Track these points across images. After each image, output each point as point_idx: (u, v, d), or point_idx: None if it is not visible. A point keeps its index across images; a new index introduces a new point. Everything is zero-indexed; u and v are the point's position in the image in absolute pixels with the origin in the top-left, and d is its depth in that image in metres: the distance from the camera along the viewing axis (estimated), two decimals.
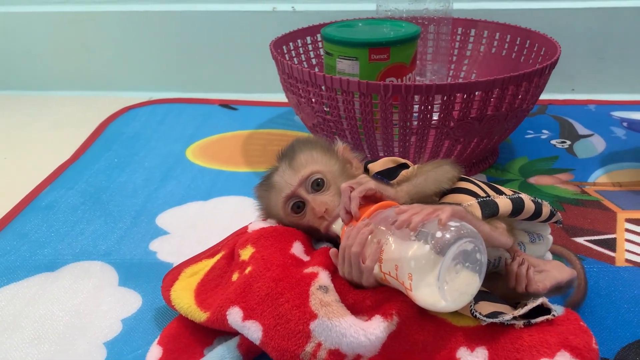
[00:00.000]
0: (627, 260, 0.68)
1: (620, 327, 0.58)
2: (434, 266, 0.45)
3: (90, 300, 0.64)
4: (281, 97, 1.12)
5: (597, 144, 0.97)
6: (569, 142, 0.98)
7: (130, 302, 0.63)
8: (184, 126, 1.08)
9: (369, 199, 0.54)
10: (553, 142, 0.99)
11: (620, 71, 1.19)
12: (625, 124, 1.04)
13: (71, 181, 0.89)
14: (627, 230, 0.74)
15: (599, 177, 0.87)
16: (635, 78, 1.20)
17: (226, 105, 1.18)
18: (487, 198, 0.54)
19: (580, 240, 0.72)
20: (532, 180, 0.87)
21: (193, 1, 1.23)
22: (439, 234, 0.46)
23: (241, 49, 1.23)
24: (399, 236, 0.48)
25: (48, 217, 0.80)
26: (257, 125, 1.08)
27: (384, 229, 0.50)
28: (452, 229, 0.46)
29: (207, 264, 0.61)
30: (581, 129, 1.03)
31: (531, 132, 1.02)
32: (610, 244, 0.71)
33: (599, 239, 0.72)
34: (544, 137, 1.01)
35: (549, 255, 0.63)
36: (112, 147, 1.00)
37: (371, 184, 0.53)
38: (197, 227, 0.77)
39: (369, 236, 0.50)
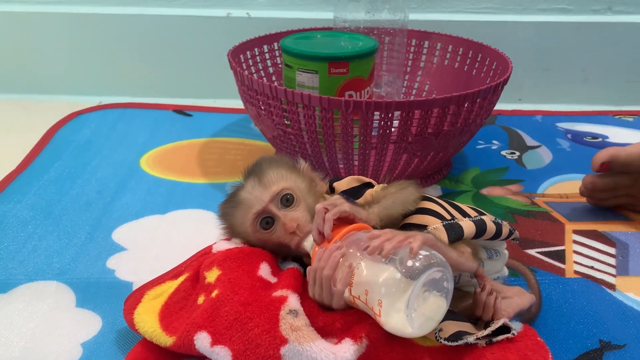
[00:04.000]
0: (576, 272, 0.72)
1: (571, 339, 0.61)
2: (403, 293, 0.47)
3: (47, 323, 0.61)
4: (237, 104, 1.11)
5: (544, 156, 1.01)
6: (518, 153, 1.02)
7: (89, 324, 0.61)
8: (137, 133, 1.06)
9: (341, 220, 0.55)
10: (503, 152, 1.02)
11: (564, 82, 1.25)
12: (569, 135, 1.09)
13: (19, 193, 0.85)
14: (575, 241, 0.78)
15: (547, 189, 0.91)
16: (576, 89, 1.26)
17: (180, 111, 1.16)
18: (452, 221, 0.56)
19: (532, 252, 0.75)
20: (485, 191, 0.90)
21: (145, 5, 1.20)
22: (409, 262, 0.47)
23: (195, 53, 1.21)
24: (371, 261, 0.49)
25: None
26: (213, 133, 1.07)
27: (356, 252, 0.51)
28: (422, 257, 0.47)
29: (171, 286, 0.60)
30: (529, 140, 1.07)
31: (482, 142, 1.06)
32: (560, 256, 0.74)
33: (549, 251, 0.75)
34: (494, 147, 1.04)
35: (506, 271, 0.65)
36: (61, 156, 0.97)
37: (345, 207, 0.54)
38: (156, 242, 0.75)
39: (341, 259, 0.51)
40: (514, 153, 1.02)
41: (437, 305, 0.49)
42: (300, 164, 0.64)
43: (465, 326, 0.53)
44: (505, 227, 0.60)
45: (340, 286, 0.50)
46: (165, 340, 0.54)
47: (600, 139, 1.07)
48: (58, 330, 0.61)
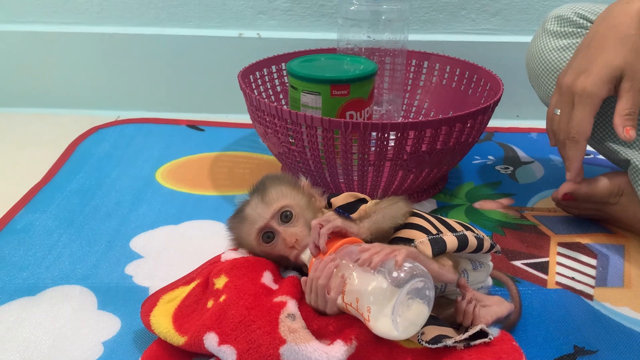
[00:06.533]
0: (557, 283, 0.77)
1: (547, 345, 0.66)
2: (389, 301, 0.53)
3: (72, 324, 0.68)
4: (247, 119, 1.18)
5: (536, 171, 1.07)
6: (511, 168, 1.08)
7: (109, 325, 0.68)
8: (152, 147, 1.13)
9: (335, 234, 0.61)
10: (497, 167, 1.08)
11: None
12: None
13: (45, 204, 0.93)
14: (559, 253, 0.83)
15: (537, 203, 0.96)
16: None
17: (193, 126, 1.23)
18: (437, 236, 0.62)
19: (518, 263, 0.81)
20: (477, 205, 0.95)
21: (162, 25, 1.27)
22: (395, 274, 0.53)
23: (208, 71, 1.28)
24: (361, 271, 0.56)
25: (24, 240, 0.83)
26: (223, 148, 1.14)
27: (348, 264, 0.57)
28: (406, 269, 0.54)
29: (184, 291, 0.66)
30: (523, 156, 1.12)
31: (478, 157, 1.11)
32: (544, 267, 0.80)
33: (534, 262, 0.81)
34: (489, 162, 1.10)
35: (490, 281, 0.71)
36: (83, 169, 1.04)
37: (338, 222, 0.60)
38: (170, 251, 0.82)
39: (334, 270, 0.57)
40: (508, 168, 1.07)
41: (419, 311, 0.55)
42: (301, 181, 0.70)
43: (447, 331, 0.59)
44: (487, 242, 0.66)
45: (334, 294, 0.57)
46: (178, 340, 0.60)
47: (591, 155, 1.13)
48: (81, 330, 0.67)
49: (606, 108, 0.80)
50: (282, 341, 0.55)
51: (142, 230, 0.87)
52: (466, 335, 0.57)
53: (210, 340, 0.58)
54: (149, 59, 1.28)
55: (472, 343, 0.58)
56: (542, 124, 1.29)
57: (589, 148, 1.14)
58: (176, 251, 0.82)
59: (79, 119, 1.26)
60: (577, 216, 0.91)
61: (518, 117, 1.32)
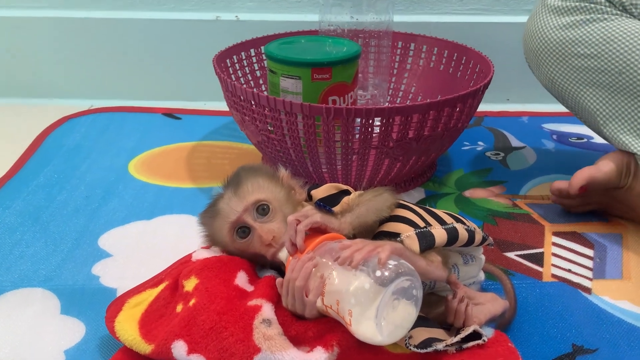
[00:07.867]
0: (553, 275, 0.73)
1: (545, 343, 0.62)
2: (372, 303, 0.48)
3: (31, 331, 0.63)
4: (225, 106, 1.12)
5: (528, 156, 1.02)
6: (502, 154, 1.03)
7: (73, 331, 0.63)
8: (126, 137, 1.07)
9: (315, 230, 0.56)
10: (488, 153, 1.03)
11: None
12: (554, 136, 1.10)
13: (8, 199, 0.87)
14: (554, 244, 0.79)
15: (530, 190, 0.92)
16: None
17: (170, 114, 1.17)
18: (425, 229, 0.57)
19: (511, 255, 0.76)
20: (467, 193, 0.91)
21: (135, 9, 1.21)
22: (378, 273, 0.48)
23: (185, 56, 1.22)
24: (342, 271, 0.51)
25: None
26: (202, 137, 1.08)
27: (327, 262, 0.52)
28: (391, 267, 0.49)
29: (151, 294, 0.61)
30: (514, 141, 1.08)
31: (467, 143, 1.07)
32: (538, 259, 0.76)
33: (528, 254, 0.77)
34: (479, 148, 1.05)
35: (482, 275, 0.66)
36: (51, 162, 0.98)
37: (317, 217, 0.55)
38: (141, 248, 0.77)
39: (313, 270, 0.52)
40: (499, 154, 1.03)
41: (406, 313, 0.50)
42: (280, 172, 0.65)
43: (437, 332, 0.54)
44: (478, 234, 0.61)
45: (313, 296, 0.52)
46: (144, 348, 0.55)
47: (585, 140, 1.08)
48: (42, 337, 0.62)
49: (612, 91, 0.75)
50: (257, 349, 0.50)
51: (112, 226, 0.81)
52: (458, 337, 0.53)
53: (179, 349, 0.53)
54: (122, 44, 1.21)
55: (465, 346, 0.53)
56: (533, 107, 1.25)
57: (584, 132, 1.10)
58: (148, 249, 0.76)
59: (50, 108, 1.19)
60: (573, 211, 0.85)
61: (508, 100, 1.27)
